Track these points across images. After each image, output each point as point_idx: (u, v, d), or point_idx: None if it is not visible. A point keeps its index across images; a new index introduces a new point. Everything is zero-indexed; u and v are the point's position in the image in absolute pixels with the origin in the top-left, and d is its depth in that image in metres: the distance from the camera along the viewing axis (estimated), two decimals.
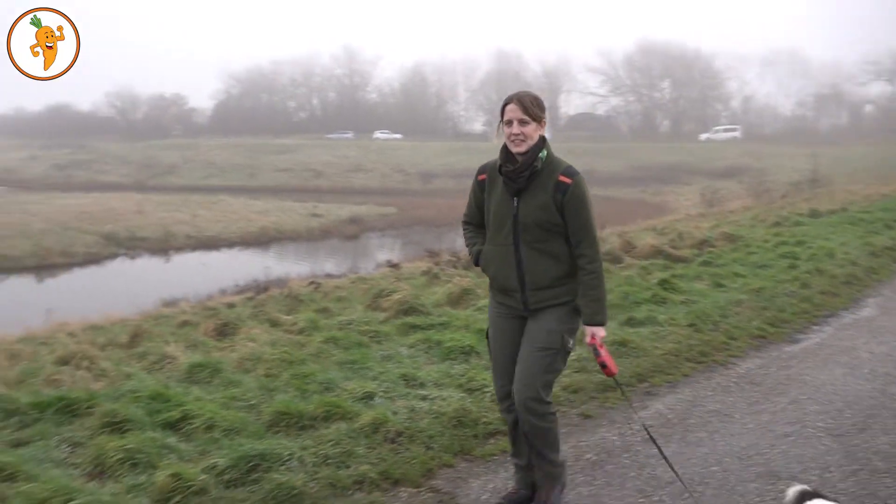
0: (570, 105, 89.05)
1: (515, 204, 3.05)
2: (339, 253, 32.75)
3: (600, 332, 3.10)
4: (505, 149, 3.08)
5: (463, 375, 4.92)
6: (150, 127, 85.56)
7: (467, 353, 5.43)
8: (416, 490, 3.51)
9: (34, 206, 39.43)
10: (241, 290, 22.15)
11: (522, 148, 3.01)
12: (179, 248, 32.59)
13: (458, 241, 30.99)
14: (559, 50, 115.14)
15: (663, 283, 7.88)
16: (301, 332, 6.79)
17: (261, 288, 21.48)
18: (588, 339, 3.11)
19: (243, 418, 4.16)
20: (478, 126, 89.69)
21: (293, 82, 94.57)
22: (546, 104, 3.16)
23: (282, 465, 3.54)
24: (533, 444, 3.18)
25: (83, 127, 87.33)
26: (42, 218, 35.00)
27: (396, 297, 7.26)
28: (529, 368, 3.09)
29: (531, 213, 3.01)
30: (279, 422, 4.09)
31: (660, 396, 4.91)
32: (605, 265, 3.26)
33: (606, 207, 38.42)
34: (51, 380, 5.39)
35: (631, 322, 6.45)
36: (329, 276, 21.89)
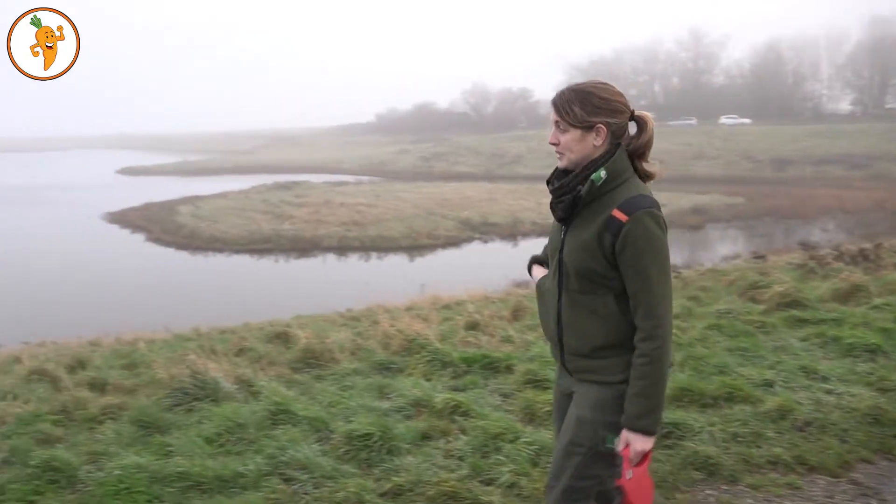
0: None
1: (562, 236, 2.22)
2: (677, 243, 32.00)
3: (640, 442, 2.08)
4: None
5: (871, 374, 4.66)
6: (498, 120, 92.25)
7: (872, 351, 5.11)
8: (834, 479, 3.48)
9: (404, 194, 45.10)
10: None
11: (563, 162, 2.19)
12: (526, 234, 34.74)
13: (820, 236, 28.15)
14: None
15: None
16: (676, 316, 6.98)
17: None
18: (620, 447, 2.12)
19: None
20: (844, 105, 79.79)
21: (635, 70, 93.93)
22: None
23: (693, 435, 3.78)
24: None
25: (443, 122, 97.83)
26: (411, 204, 40.01)
27: (777, 289, 7.04)
28: (555, 465, 2.29)
29: (572, 254, 2.16)
30: (682, 397, 4.33)
31: None
32: None
33: None
34: (464, 341, 6.34)
35: None
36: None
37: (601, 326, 2.14)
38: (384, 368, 5.46)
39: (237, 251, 31.04)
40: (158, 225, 35.90)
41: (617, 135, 2.16)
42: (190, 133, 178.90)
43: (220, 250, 31.35)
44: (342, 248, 31.01)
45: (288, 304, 18.01)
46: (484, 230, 34.79)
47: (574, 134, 2.13)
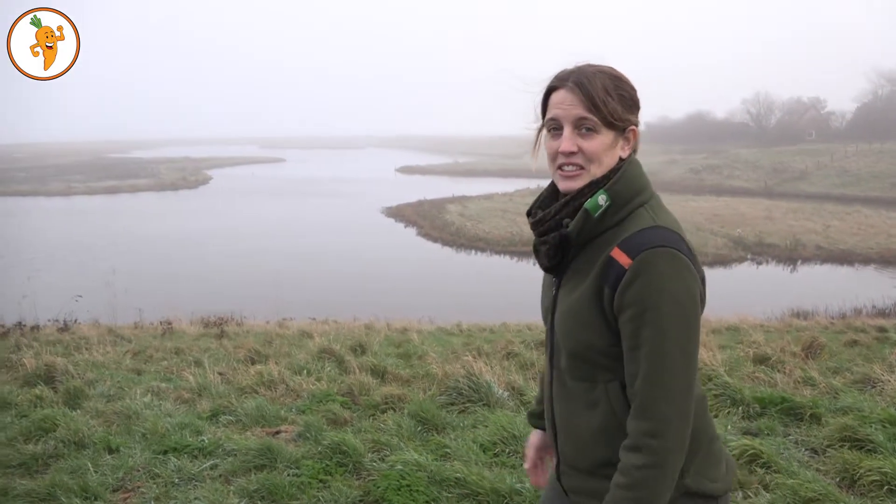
0: None
1: (554, 293, 1.55)
2: None
3: None
4: (552, 184, 1.59)
5: None
6: (782, 132, 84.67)
7: None
8: None
9: (670, 206, 41.71)
10: (880, 313, 20.03)
11: (577, 183, 1.48)
12: (807, 259, 31.48)
13: None
14: None
15: None
16: None
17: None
18: None
19: None
20: None
21: None
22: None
23: None
24: None
25: (718, 133, 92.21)
26: (678, 217, 37.95)
27: None
28: None
29: (562, 321, 1.50)
30: None
31: None
32: None
33: None
34: (753, 376, 5.66)
35: None
36: None
37: (603, 431, 1.46)
38: None
39: (498, 252, 31.98)
40: (429, 221, 38.31)
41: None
42: (463, 136, 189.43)
43: (483, 249, 32.55)
44: None
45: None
46: (758, 250, 32.13)
47: (607, 138, 1.47)
